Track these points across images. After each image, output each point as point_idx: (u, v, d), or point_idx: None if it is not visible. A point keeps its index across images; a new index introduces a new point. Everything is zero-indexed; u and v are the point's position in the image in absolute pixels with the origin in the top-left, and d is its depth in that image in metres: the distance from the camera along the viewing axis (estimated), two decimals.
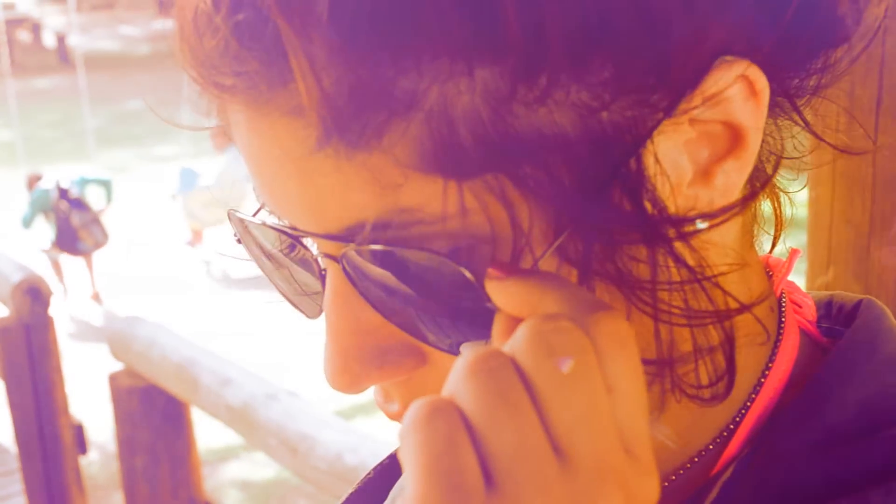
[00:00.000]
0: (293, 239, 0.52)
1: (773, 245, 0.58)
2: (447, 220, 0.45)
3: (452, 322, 0.48)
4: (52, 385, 4.31)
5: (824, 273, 1.90)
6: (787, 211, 0.57)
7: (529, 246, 0.46)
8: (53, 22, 23.62)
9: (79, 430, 4.53)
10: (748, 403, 0.54)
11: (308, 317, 0.56)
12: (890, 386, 0.53)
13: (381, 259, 0.47)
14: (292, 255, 0.54)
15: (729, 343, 0.50)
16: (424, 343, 0.49)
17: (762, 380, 0.55)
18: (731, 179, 0.47)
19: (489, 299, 0.45)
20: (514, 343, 0.42)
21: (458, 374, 0.41)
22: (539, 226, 0.46)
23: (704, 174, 0.47)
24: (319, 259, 0.51)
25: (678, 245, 0.47)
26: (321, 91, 0.44)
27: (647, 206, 0.46)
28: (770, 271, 0.58)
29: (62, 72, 19.21)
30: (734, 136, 0.47)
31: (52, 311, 4.30)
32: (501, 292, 0.44)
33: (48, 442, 4.32)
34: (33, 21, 23.98)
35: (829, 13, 0.49)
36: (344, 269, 0.49)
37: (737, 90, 0.46)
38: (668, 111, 0.45)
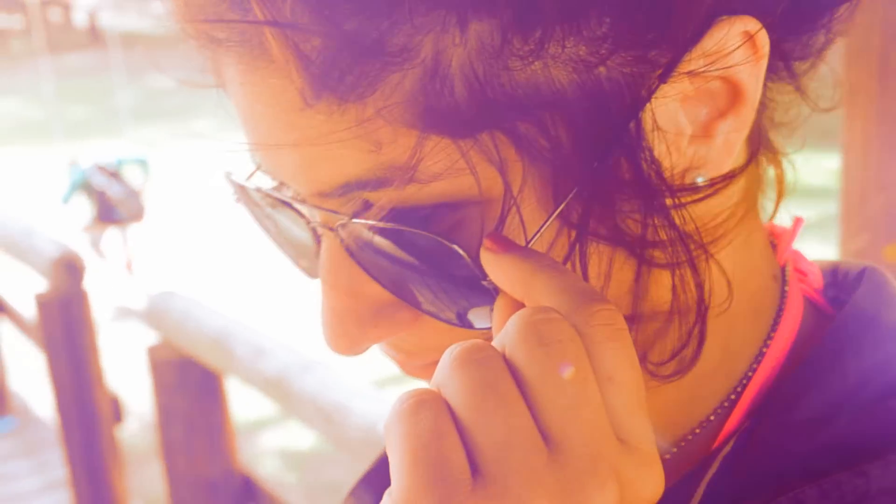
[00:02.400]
0: (287, 206, 0.52)
1: (775, 212, 0.57)
2: (439, 180, 0.44)
3: (447, 291, 0.48)
4: (89, 358, 4.36)
5: (856, 238, 1.90)
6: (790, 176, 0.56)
7: (518, 210, 0.45)
8: (84, 1, 23.68)
9: (115, 402, 4.59)
10: (749, 374, 0.54)
11: (309, 277, 0.56)
12: (891, 356, 0.53)
13: (375, 228, 0.47)
14: (289, 218, 0.54)
15: (703, 314, 0.50)
16: (420, 311, 0.49)
17: (764, 350, 0.54)
18: (731, 137, 0.47)
19: (483, 273, 0.45)
20: (504, 334, 0.42)
21: (444, 366, 0.41)
22: (533, 188, 0.45)
23: (704, 131, 0.47)
24: (316, 227, 0.51)
25: (672, 206, 0.47)
26: (312, 44, 0.43)
27: (645, 166, 0.45)
28: (774, 240, 0.57)
29: (93, 49, 19.27)
30: (733, 93, 0.47)
31: (88, 285, 4.35)
32: (495, 267, 0.44)
33: (87, 414, 4.37)
34: (64, 1, 24.06)
35: None
36: (339, 237, 0.49)
37: (737, 47, 0.45)
38: (668, 69, 0.45)
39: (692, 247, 0.48)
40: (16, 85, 17.26)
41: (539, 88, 0.43)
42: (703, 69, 0.45)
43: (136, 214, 9.07)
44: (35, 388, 5.71)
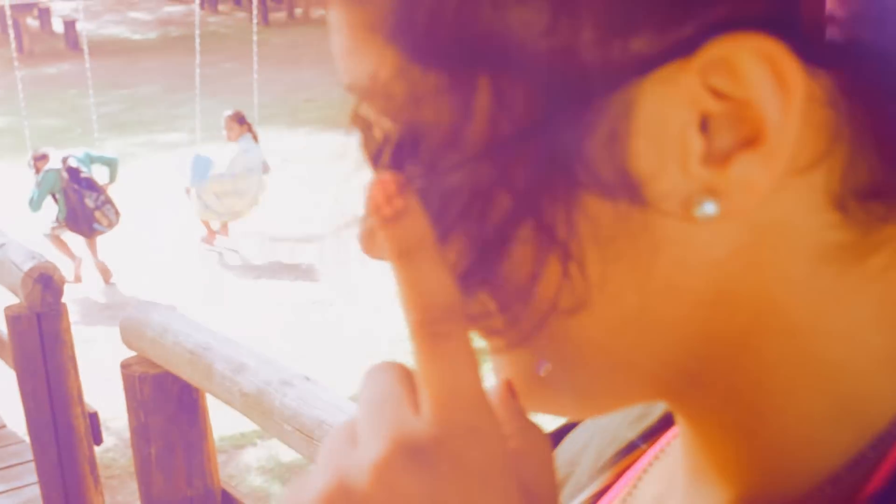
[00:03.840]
0: None
1: None
2: (397, 97, 0.45)
3: None
4: (65, 374, 4.28)
5: None
6: None
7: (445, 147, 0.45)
8: (61, 7, 23.61)
9: (93, 419, 4.50)
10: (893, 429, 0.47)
11: None
12: None
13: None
14: None
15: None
16: None
17: None
18: (751, 175, 0.42)
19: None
20: None
21: None
22: (476, 134, 0.44)
23: (721, 158, 0.42)
24: None
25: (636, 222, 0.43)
26: None
27: (595, 163, 0.43)
28: None
29: (71, 58, 19.17)
30: (758, 127, 0.42)
31: (65, 297, 4.27)
32: (383, 225, 0.45)
33: (61, 431, 4.29)
34: (41, 7, 23.97)
35: None
36: None
37: (757, 72, 0.40)
38: (648, 65, 0.41)
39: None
40: None
41: (505, 41, 0.42)
42: (725, 86, 0.41)
43: (112, 222, 8.96)
44: (8, 406, 5.61)
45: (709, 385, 0.49)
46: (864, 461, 0.47)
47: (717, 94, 0.41)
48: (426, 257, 0.45)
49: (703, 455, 0.55)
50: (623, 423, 0.66)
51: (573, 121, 0.42)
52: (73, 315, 4.78)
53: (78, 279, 8.75)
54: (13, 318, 4.22)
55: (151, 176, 11.68)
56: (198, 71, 10.62)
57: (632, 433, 0.65)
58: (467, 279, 0.46)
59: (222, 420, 4.36)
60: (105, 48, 17.68)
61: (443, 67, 0.43)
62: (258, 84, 10.51)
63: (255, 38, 10.70)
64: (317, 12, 21.69)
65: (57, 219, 8.87)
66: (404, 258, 0.45)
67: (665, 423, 0.63)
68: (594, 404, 0.53)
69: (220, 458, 4.14)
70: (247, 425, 5.56)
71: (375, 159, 0.48)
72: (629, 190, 0.43)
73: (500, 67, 0.42)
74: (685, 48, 0.41)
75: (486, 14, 0.42)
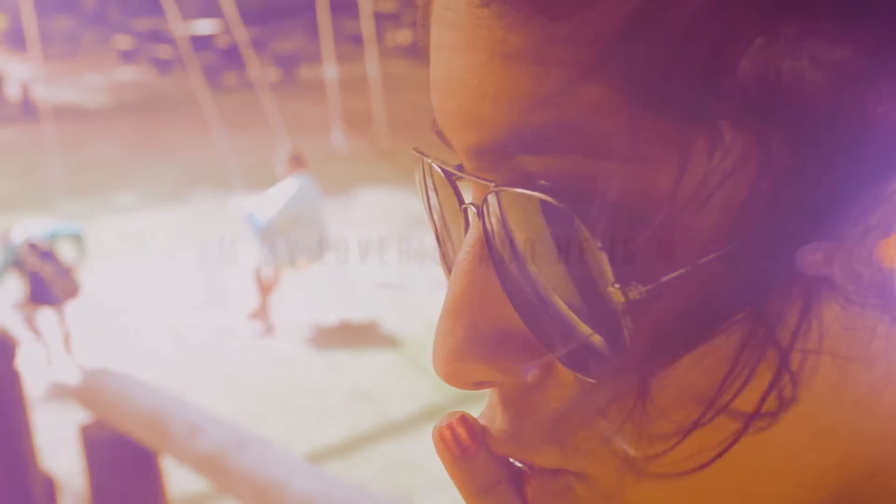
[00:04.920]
0: (447, 180, 0.43)
1: None
2: (610, 159, 0.34)
3: (569, 311, 0.36)
4: (21, 439, 4.30)
5: None
6: None
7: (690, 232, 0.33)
8: (16, 73, 23.56)
9: (49, 484, 4.51)
10: None
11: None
12: None
13: (510, 205, 0.37)
14: (449, 205, 0.44)
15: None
16: (530, 331, 0.38)
17: None
18: None
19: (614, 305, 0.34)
20: None
21: None
22: (720, 204, 0.33)
23: None
24: (467, 209, 0.40)
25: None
26: None
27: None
28: None
29: (25, 123, 19.13)
30: None
31: (20, 364, 4.30)
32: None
33: (18, 496, 4.30)
34: None
35: None
36: (481, 214, 0.38)
37: None
38: None
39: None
40: None
41: (772, 82, 0.32)
42: None
43: (70, 292, 8.93)
44: None
45: None
46: None
47: None
48: (501, 494, 0.41)
49: None
50: None
51: (840, 196, 0.32)
52: (34, 383, 4.79)
53: (49, 363, 8.70)
54: None
55: (106, 238, 11.67)
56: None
57: None
58: (632, 377, 0.35)
59: (179, 480, 4.40)
60: (59, 113, 17.66)
61: (678, 115, 0.33)
62: (212, 147, 10.49)
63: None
64: (268, 76, 21.83)
65: (23, 295, 8.84)
66: (477, 497, 0.41)
67: None
68: None
69: None
70: (203, 485, 5.58)
71: (499, 244, 0.38)
72: (879, 289, 0.33)
73: (761, 117, 0.32)
74: None
75: (755, 47, 0.32)
